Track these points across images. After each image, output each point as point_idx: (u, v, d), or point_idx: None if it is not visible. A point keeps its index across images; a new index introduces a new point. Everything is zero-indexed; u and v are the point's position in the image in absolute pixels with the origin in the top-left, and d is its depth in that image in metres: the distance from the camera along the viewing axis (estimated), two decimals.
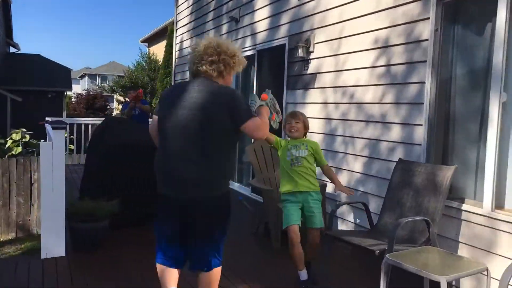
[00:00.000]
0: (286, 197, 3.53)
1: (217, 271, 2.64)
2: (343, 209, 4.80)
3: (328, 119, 5.10)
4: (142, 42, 27.55)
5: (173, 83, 10.82)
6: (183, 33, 10.19)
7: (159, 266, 2.67)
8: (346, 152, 4.81)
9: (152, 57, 22.04)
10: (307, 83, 5.49)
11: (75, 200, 4.53)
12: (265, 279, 3.70)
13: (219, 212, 2.57)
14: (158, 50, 22.74)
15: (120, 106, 26.41)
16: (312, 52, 5.41)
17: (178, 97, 2.52)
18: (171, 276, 2.64)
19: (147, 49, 26.57)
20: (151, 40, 25.55)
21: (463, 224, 3.53)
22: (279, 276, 3.74)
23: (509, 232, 3.19)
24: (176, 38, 10.75)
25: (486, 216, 3.35)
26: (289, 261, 3.55)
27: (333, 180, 3.62)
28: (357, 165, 4.64)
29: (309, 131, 3.73)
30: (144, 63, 22.63)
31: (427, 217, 3.22)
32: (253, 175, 6.79)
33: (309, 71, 5.48)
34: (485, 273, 2.71)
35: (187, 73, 9.58)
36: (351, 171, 4.71)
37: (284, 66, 6.00)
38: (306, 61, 5.52)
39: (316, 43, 5.34)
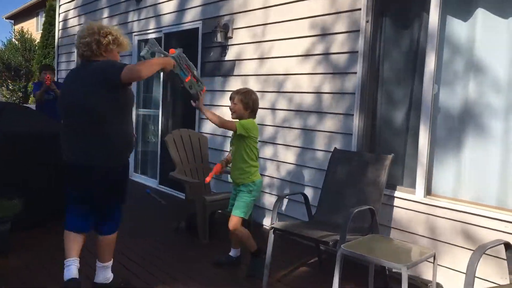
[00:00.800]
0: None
1: (112, 237, 2.97)
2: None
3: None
4: (7, 18, 24.65)
5: (56, 65, 9.76)
6: (68, 10, 9.21)
7: (65, 232, 2.88)
8: (277, 142, 4.67)
9: (26, 35, 19.64)
10: (226, 70, 5.27)
11: None
12: (196, 274, 3.48)
13: (113, 183, 2.84)
14: (30, 28, 20.41)
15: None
16: (231, 38, 5.20)
17: (70, 80, 2.88)
18: (72, 242, 2.86)
19: (13, 26, 23.77)
20: (19, 17, 22.93)
21: (395, 211, 3.66)
22: (211, 271, 3.54)
23: (441, 217, 3.38)
24: (59, 16, 9.67)
25: (418, 202, 3.52)
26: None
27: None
28: (290, 156, 4.54)
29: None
30: (16, 42, 20.06)
31: (370, 206, 3.26)
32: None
33: (228, 58, 5.26)
34: (431, 259, 2.81)
35: (74, 54, 8.70)
36: (285, 162, 4.59)
37: (197, 52, 5.69)
38: (224, 47, 5.29)
39: (236, 28, 5.14)
